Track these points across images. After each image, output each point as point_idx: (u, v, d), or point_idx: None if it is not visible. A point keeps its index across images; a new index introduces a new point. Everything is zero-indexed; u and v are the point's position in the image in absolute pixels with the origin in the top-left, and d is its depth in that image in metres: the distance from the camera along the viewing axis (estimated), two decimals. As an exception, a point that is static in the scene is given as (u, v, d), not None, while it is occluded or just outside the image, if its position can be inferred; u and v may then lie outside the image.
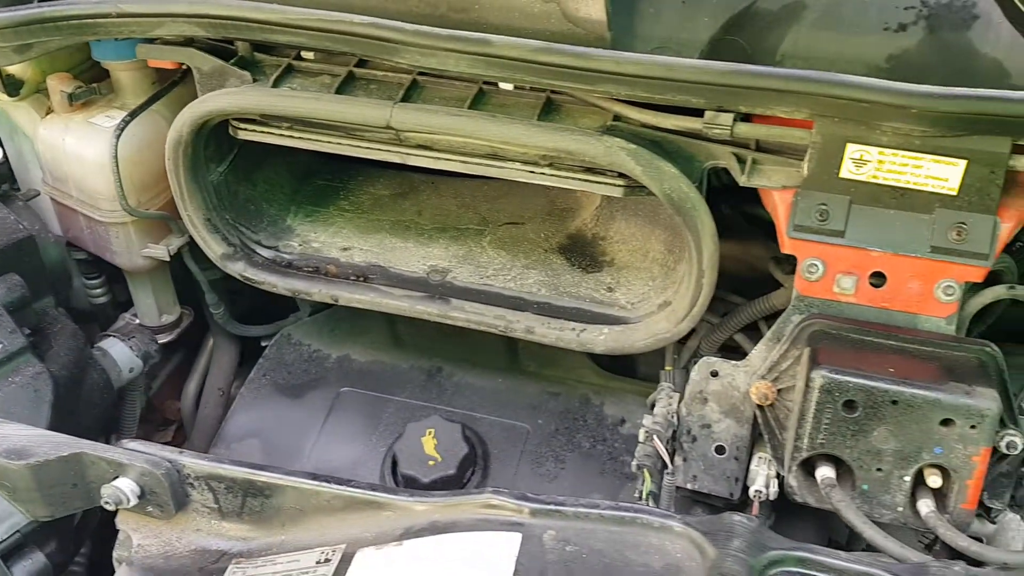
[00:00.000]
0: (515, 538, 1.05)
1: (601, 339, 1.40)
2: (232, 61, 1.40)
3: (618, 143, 1.22)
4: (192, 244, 1.58)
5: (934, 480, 1.06)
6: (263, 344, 1.81)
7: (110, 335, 1.60)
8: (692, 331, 1.52)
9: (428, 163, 1.34)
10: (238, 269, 1.53)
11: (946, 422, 1.04)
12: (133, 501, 1.18)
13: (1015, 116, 1.05)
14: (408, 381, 1.68)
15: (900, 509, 1.09)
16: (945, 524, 1.05)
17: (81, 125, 1.50)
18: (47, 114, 1.55)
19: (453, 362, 1.70)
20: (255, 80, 1.39)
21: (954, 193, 1.12)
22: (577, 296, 1.49)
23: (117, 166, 1.45)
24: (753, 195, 1.28)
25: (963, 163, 1.10)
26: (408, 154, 1.35)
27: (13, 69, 1.51)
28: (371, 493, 1.14)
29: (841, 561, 0.99)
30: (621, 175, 1.26)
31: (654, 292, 1.45)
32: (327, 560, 1.12)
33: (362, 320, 1.77)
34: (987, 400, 1.03)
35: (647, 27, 1.23)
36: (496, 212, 1.69)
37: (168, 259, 1.58)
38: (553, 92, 1.31)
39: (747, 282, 1.48)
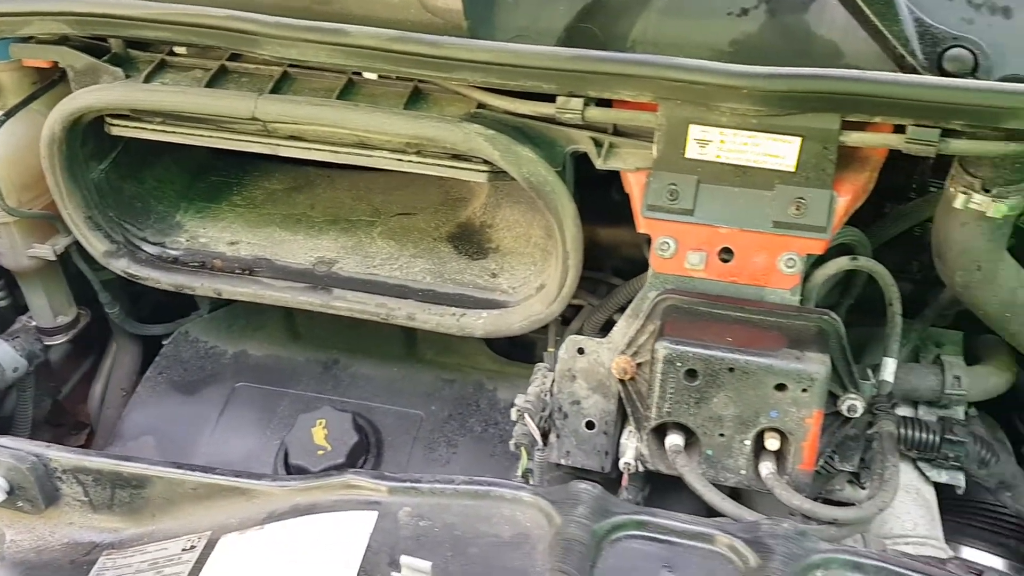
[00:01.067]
0: (371, 516, 1.08)
1: (480, 323, 1.43)
2: (105, 58, 1.41)
3: (476, 129, 1.25)
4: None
5: (772, 443, 1.11)
6: (163, 343, 1.82)
7: (-6, 337, 1.61)
8: (575, 313, 1.57)
9: (297, 153, 1.37)
10: (121, 266, 1.54)
11: (780, 387, 1.09)
12: (1, 497, 1.19)
13: (841, 93, 1.09)
14: (304, 374, 1.70)
15: (743, 472, 1.14)
16: (782, 484, 1.10)
17: (-42, 125, 1.50)
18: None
19: (350, 353, 1.72)
20: (128, 76, 1.40)
21: (792, 169, 1.17)
22: (461, 283, 1.52)
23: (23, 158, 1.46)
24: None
25: (798, 140, 1.15)
26: (278, 145, 1.37)
27: None
28: (235, 480, 1.16)
29: (680, 523, 1.03)
30: (485, 161, 1.30)
31: (534, 276, 1.48)
32: (192, 547, 1.14)
33: (260, 315, 1.79)
34: (816, 364, 1.08)
35: (505, 17, 1.26)
36: (389, 203, 1.71)
37: (54, 259, 1.58)
38: (421, 81, 1.34)
39: (634, 264, 1.52)
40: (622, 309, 1.48)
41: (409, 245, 1.60)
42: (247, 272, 1.55)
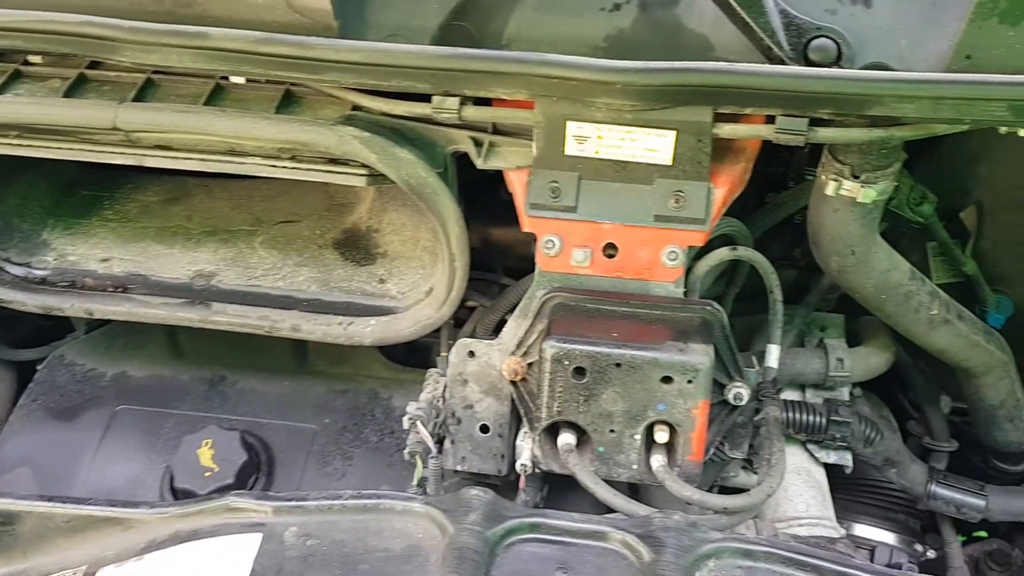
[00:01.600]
0: (255, 539, 1.03)
1: (368, 331, 1.40)
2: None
3: (351, 132, 1.22)
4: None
5: (662, 436, 1.12)
6: (37, 368, 1.72)
7: None
8: (469, 315, 1.55)
9: (163, 163, 1.31)
10: (-23, 296, 1.45)
11: (666, 379, 1.10)
12: None
13: (711, 86, 1.10)
14: (189, 393, 1.64)
15: (635, 467, 1.14)
16: (673, 477, 1.10)
17: None
18: None
19: (237, 369, 1.66)
20: (-24, 88, 1.32)
21: (669, 163, 1.17)
22: (348, 290, 1.48)
23: None
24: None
25: (672, 134, 1.15)
26: (143, 155, 1.31)
27: None
28: (110, 510, 1.10)
29: (573, 523, 1.03)
30: (364, 164, 1.26)
31: (423, 280, 1.46)
32: (67, 583, 1.08)
33: (139, 334, 1.71)
34: (700, 355, 1.09)
35: (376, 15, 1.23)
36: (271, 211, 1.66)
37: (-93, 284, 1.48)
38: (292, 84, 1.30)
39: (526, 263, 1.51)
40: (513, 309, 1.47)
41: (293, 254, 1.55)
42: (121, 290, 1.48)
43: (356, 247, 1.57)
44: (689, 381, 1.08)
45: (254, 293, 1.47)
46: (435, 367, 1.44)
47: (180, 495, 1.44)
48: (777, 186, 1.59)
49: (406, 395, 1.63)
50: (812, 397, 1.50)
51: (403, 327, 1.38)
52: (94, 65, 1.34)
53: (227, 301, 1.45)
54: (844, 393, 1.52)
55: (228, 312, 1.43)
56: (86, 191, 1.69)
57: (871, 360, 1.53)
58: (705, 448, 1.13)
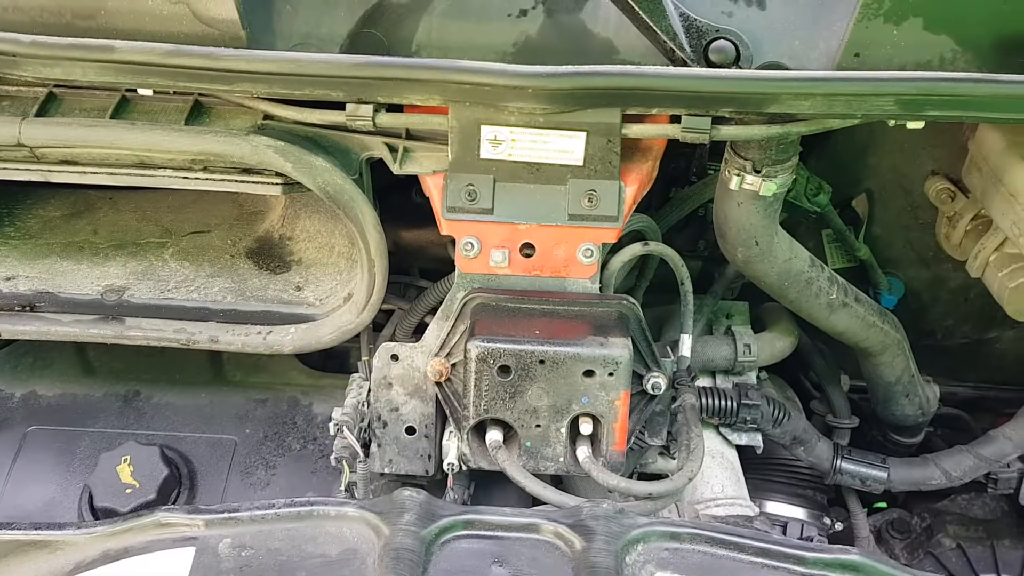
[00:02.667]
0: (188, 553, 1.03)
1: (289, 339, 1.40)
2: None
3: (264, 141, 1.22)
4: None
5: (586, 428, 1.16)
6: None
7: None
8: (387, 319, 1.56)
9: (71, 178, 1.28)
10: None
11: (588, 373, 1.14)
12: None
13: (618, 88, 1.15)
14: (103, 410, 1.60)
15: (561, 459, 1.18)
16: (598, 467, 1.15)
17: None
18: None
19: (152, 383, 1.64)
20: None
21: (580, 163, 1.21)
22: (265, 299, 1.48)
23: None
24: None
25: (583, 135, 1.19)
26: (49, 171, 1.28)
27: None
28: (33, 533, 1.08)
29: (505, 517, 1.05)
30: (278, 173, 1.26)
31: (340, 286, 1.46)
32: (-8, 613, 1.05)
33: (48, 352, 1.67)
34: (619, 348, 1.13)
35: (285, 24, 1.23)
36: (180, 223, 1.63)
37: None
38: (201, 95, 1.29)
39: (441, 264, 1.53)
40: (433, 311, 1.49)
41: (205, 265, 1.54)
42: (28, 308, 1.44)
43: (270, 255, 1.57)
44: (610, 374, 1.13)
45: (168, 306, 1.45)
46: (355, 371, 1.45)
47: (101, 514, 1.41)
48: (681, 181, 1.65)
49: (326, 401, 1.64)
50: (722, 382, 1.57)
51: (323, 334, 1.39)
52: (-4, 81, 1.31)
53: (141, 315, 1.43)
54: (752, 377, 1.59)
55: (143, 327, 1.41)
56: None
57: (776, 344, 1.61)
58: (628, 436, 1.18)
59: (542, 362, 1.13)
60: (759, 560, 1.03)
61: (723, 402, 1.48)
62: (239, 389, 1.63)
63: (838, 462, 1.59)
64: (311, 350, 1.41)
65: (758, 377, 1.60)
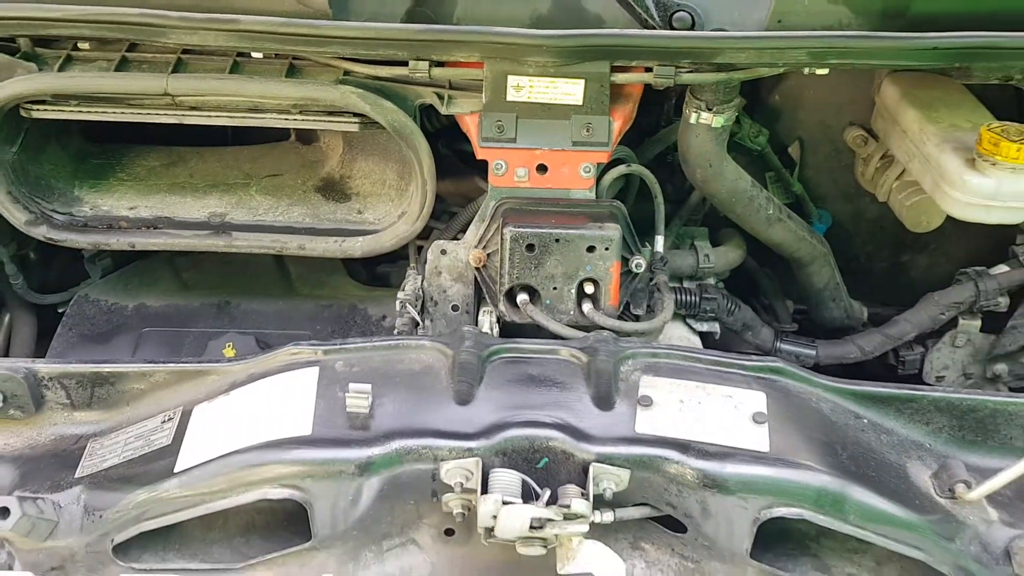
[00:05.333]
0: (314, 371, 1.45)
1: (358, 245, 1.82)
2: (17, 56, 1.68)
3: (350, 90, 1.64)
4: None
5: (589, 288, 1.60)
6: (60, 311, 2.06)
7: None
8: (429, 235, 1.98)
9: (202, 120, 1.70)
10: (41, 232, 1.80)
11: (590, 248, 1.58)
12: (-3, 405, 1.46)
13: (608, 46, 1.59)
14: (201, 315, 2.01)
15: (572, 312, 1.62)
16: (599, 314, 1.59)
17: None
18: None
19: (237, 295, 2.05)
20: (40, 70, 1.68)
21: (580, 103, 1.65)
22: (335, 220, 1.90)
23: None
24: (462, 137, 1.75)
25: (582, 82, 1.63)
26: (183, 115, 1.70)
27: None
28: (197, 364, 1.50)
29: (535, 345, 1.50)
30: (355, 114, 1.69)
31: (393, 208, 1.89)
32: (170, 419, 1.47)
33: (151, 272, 2.08)
34: (612, 231, 1.58)
35: (357, 4, 1.65)
36: (257, 168, 2.05)
37: (-29, 237, 1.81)
38: (295, 58, 1.71)
39: (463, 203, 1.97)
40: (462, 229, 1.93)
41: (284, 197, 1.95)
42: (152, 228, 1.85)
43: (334, 190, 1.99)
44: (606, 248, 1.57)
45: (261, 225, 1.87)
46: (395, 287, 1.86)
47: (213, 385, 1.83)
48: (652, 132, 2.10)
49: (377, 306, 2.05)
50: (688, 285, 2.01)
51: (385, 241, 1.81)
52: (132, 48, 1.72)
53: (242, 231, 1.84)
54: (711, 282, 2.03)
55: (246, 238, 1.82)
56: (95, 160, 2.04)
57: (729, 255, 2.05)
58: (619, 301, 1.62)
59: (557, 240, 1.57)
60: (714, 368, 1.48)
61: (689, 297, 1.92)
62: (308, 299, 2.05)
63: (777, 343, 2.04)
64: (375, 254, 1.83)
65: (715, 282, 2.04)
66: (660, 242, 1.80)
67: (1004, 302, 1.99)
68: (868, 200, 2.18)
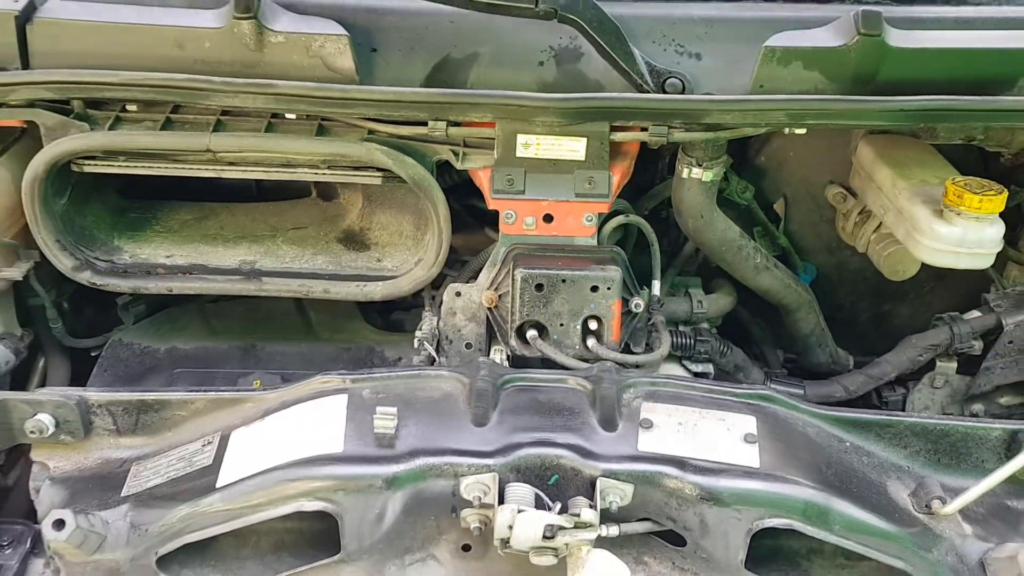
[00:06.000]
0: (343, 397, 1.59)
1: (378, 289, 1.97)
2: (71, 116, 1.85)
3: (374, 147, 1.81)
4: (35, 268, 1.98)
5: (593, 325, 1.75)
6: (93, 355, 2.19)
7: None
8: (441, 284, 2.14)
9: (238, 174, 1.86)
10: (85, 277, 1.95)
11: (594, 288, 1.74)
12: (51, 430, 1.59)
13: (608, 108, 1.77)
14: (229, 357, 2.15)
15: (577, 347, 1.77)
16: (602, 348, 1.74)
17: (-62, 174, 1.87)
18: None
19: (262, 339, 2.19)
20: (92, 129, 1.85)
21: (583, 159, 1.82)
22: (356, 267, 2.05)
23: None
24: (472, 193, 1.92)
25: (584, 140, 1.80)
26: (222, 169, 1.87)
27: None
28: (233, 392, 1.64)
29: (545, 375, 1.64)
30: (379, 169, 1.86)
31: (410, 256, 2.04)
32: (210, 443, 1.60)
33: (180, 319, 2.23)
34: (613, 271, 1.74)
35: (381, 72, 1.84)
36: (282, 222, 2.21)
37: (20, 279, 1.96)
38: (323, 120, 1.89)
39: (473, 253, 2.13)
40: (473, 276, 2.08)
41: (308, 248, 2.11)
42: (187, 274, 2.01)
43: (354, 241, 2.15)
44: (608, 288, 1.73)
45: (288, 272, 2.02)
46: (409, 332, 2.01)
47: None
48: (648, 189, 2.27)
49: (393, 348, 2.18)
50: (683, 329, 2.16)
51: (403, 285, 1.96)
52: (175, 110, 1.90)
53: (270, 276, 1.99)
54: (704, 327, 2.18)
55: (274, 283, 1.97)
56: (132, 213, 2.20)
57: (721, 302, 2.21)
58: (620, 337, 1.77)
59: (563, 281, 1.73)
60: (708, 395, 1.62)
61: (684, 339, 2.07)
62: (328, 342, 2.19)
63: (767, 383, 2.18)
64: (394, 297, 1.98)
65: (709, 327, 2.19)
66: (657, 286, 1.95)
67: (978, 345, 2.14)
68: (849, 253, 2.34)
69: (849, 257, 2.38)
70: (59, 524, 1.42)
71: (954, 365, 2.18)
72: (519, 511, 1.36)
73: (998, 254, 2.04)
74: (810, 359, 2.34)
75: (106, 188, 2.13)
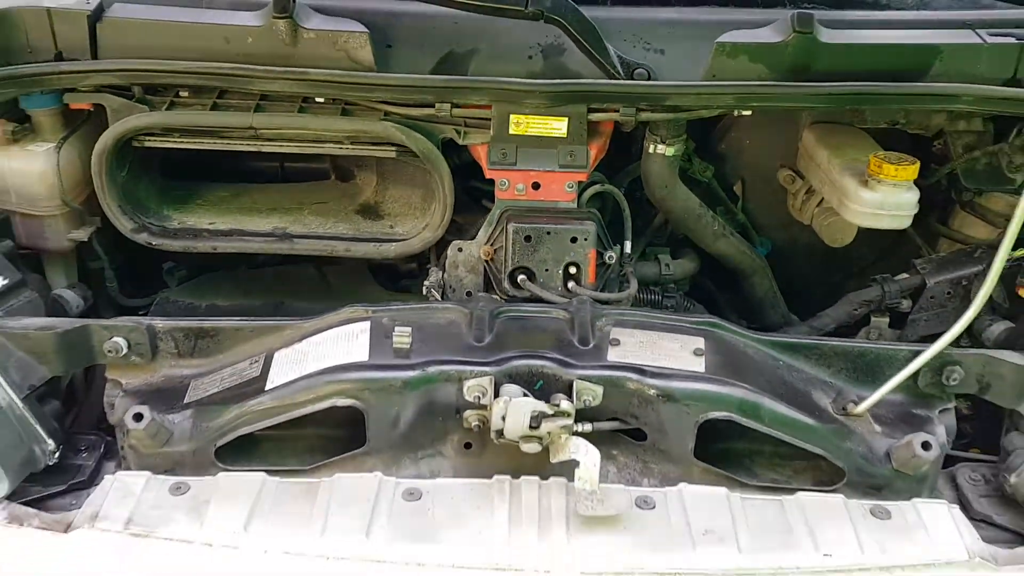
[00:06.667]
0: (367, 323, 1.93)
1: (392, 249, 2.30)
2: (133, 100, 2.20)
3: (390, 125, 2.17)
4: (97, 232, 2.33)
5: (573, 270, 2.10)
6: (141, 313, 2.53)
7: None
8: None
9: (276, 148, 2.22)
10: (143, 238, 2.29)
11: (573, 239, 2.09)
12: (124, 351, 1.93)
13: (585, 92, 2.12)
14: (260, 313, 2.47)
15: (559, 288, 2.12)
16: (580, 288, 2.09)
17: (22, 152, 2.21)
18: (-11, 147, 2.23)
19: (289, 299, 2.52)
20: (151, 111, 2.20)
21: (565, 136, 2.17)
22: (372, 233, 2.39)
23: (60, 175, 2.19)
24: (472, 173, 2.28)
25: (566, 120, 2.16)
26: (262, 145, 2.22)
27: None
28: (275, 321, 1.98)
29: (532, 308, 1.99)
30: (393, 144, 2.22)
31: (419, 222, 2.38)
32: (256, 362, 1.94)
33: (218, 282, 2.56)
34: (589, 225, 2.10)
35: (396, 63, 2.19)
36: (307, 198, 2.54)
37: (86, 239, 2.30)
38: (346, 103, 2.24)
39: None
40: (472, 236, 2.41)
41: (330, 218, 2.45)
42: (229, 236, 2.35)
43: (370, 212, 2.49)
44: (585, 239, 2.08)
45: (315, 235, 2.37)
46: (417, 293, 2.36)
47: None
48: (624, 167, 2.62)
49: (403, 306, 2.54)
50: (652, 288, 2.50)
51: (414, 245, 2.30)
52: (221, 95, 2.25)
53: (300, 239, 2.34)
54: (671, 287, 2.53)
55: (303, 244, 2.31)
56: (176, 191, 2.55)
57: (685, 266, 2.55)
58: (595, 281, 2.12)
59: (548, 233, 2.08)
60: (666, 323, 1.96)
61: (652, 296, 2.41)
62: (345, 301, 2.52)
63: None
64: (406, 255, 2.32)
65: (675, 288, 2.54)
66: (628, 245, 2.30)
67: (906, 303, 2.48)
68: (799, 228, 2.69)
69: (799, 232, 2.72)
70: (138, 417, 1.76)
71: (886, 320, 2.52)
72: (511, 400, 1.70)
73: (932, 232, 2.41)
74: (764, 320, 2.69)
75: (153, 169, 2.48)
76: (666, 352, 1.86)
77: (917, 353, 1.90)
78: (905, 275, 2.51)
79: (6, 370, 1.84)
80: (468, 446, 1.87)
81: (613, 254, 2.17)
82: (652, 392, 1.78)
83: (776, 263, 2.71)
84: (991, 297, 2.32)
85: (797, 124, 2.56)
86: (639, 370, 1.81)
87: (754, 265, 2.57)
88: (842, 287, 2.83)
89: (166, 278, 2.57)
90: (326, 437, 1.91)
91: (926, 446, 1.77)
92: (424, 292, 2.21)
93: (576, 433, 1.76)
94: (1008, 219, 1.79)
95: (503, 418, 1.73)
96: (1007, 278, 2.32)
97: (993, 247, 2.10)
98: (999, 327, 2.22)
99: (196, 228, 2.37)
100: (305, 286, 2.55)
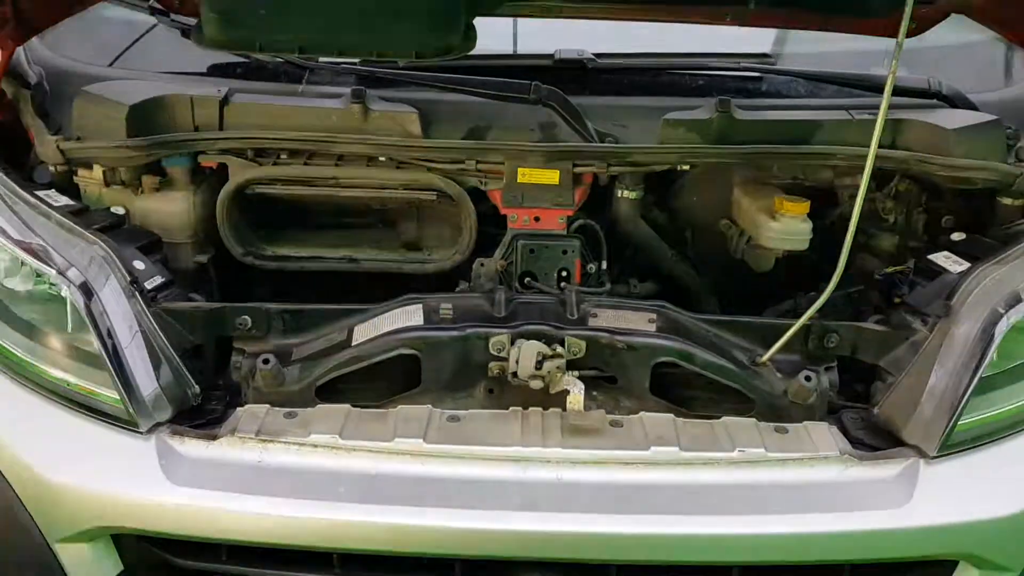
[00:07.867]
0: (419, 306, 2.75)
1: (430, 267, 3.15)
2: (247, 159, 3.08)
3: (433, 176, 3.04)
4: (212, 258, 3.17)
5: (564, 274, 2.94)
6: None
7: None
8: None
9: (348, 193, 3.07)
10: (249, 260, 3.13)
11: (564, 252, 2.94)
12: (248, 325, 2.74)
13: (569, 152, 3.01)
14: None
15: (554, 287, 2.95)
16: (570, 287, 2.90)
17: (163, 197, 3.07)
18: (138, 194, 3.09)
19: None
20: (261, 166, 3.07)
21: (557, 183, 3.03)
22: (414, 259, 3.24)
23: (192, 214, 3.05)
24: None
25: (558, 172, 3.03)
26: (340, 191, 3.08)
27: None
28: (357, 306, 2.80)
29: (537, 295, 2.82)
30: (433, 190, 3.08)
31: (449, 251, 3.22)
32: (342, 332, 2.75)
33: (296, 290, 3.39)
34: (575, 242, 2.94)
35: (436, 133, 3.07)
36: (368, 240, 3.40)
37: (205, 262, 3.13)
38: (400, 162, 3.11)
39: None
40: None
41: (384, 250, 3.29)
42: (310, 260, 3.19)
43: (412, 245, 3.33)
44: (572, 252, 2.93)
45: (375, 260, 3.21)
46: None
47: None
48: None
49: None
50: (625, 304, 3.32)
51: (446, 265, 3.14)
52: (311, 156, 3.12)
53: (363, 261, 3.18)
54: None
55: (367, 263, 3.16)
56: (264, 232, 3.39)
57: (648, 287, 3.35)
58: (580, 282, 2.95)
59: (546, 247, 2.93)
60: (629, 305, 2.79)
61: (624, 306, 3.24)
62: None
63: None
64: (440, 271, 3.15)
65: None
66: (604, 263, 3.14)
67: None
68: (733, 262, 3.53)
69: (733, 265, 3.57)
70: (266, 360, 2.55)
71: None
72: (523, 345, 2.51)
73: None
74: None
75: (251, 215, 3.33)
76: (628, 321, 2.68)
77: (810, 326, 2.73)
78: (813, 293, 3.34)
79: (168, 335, 2.64)
80: (491, 391, 2.66)
81: (594, 266, 3.02)
82: (619, 345, 2.59)
83: (723, 290, 3.55)
84: (872, 303, 3.17)
85: (731, 184, 3.44)
86: (610, 331, 2.63)
87: (698, 286, 3.41)
88: (765, 304, 3.68)
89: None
90: (390, 389, 2.70)
91: (808, 379, 2.57)
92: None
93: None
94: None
95: (517, 361, 2.53)
96: (885, 289, 3.15)
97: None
98: (873, 319, 3.04)
99: (284, 256, 3.21)
100: (361, 288, 3.36)
